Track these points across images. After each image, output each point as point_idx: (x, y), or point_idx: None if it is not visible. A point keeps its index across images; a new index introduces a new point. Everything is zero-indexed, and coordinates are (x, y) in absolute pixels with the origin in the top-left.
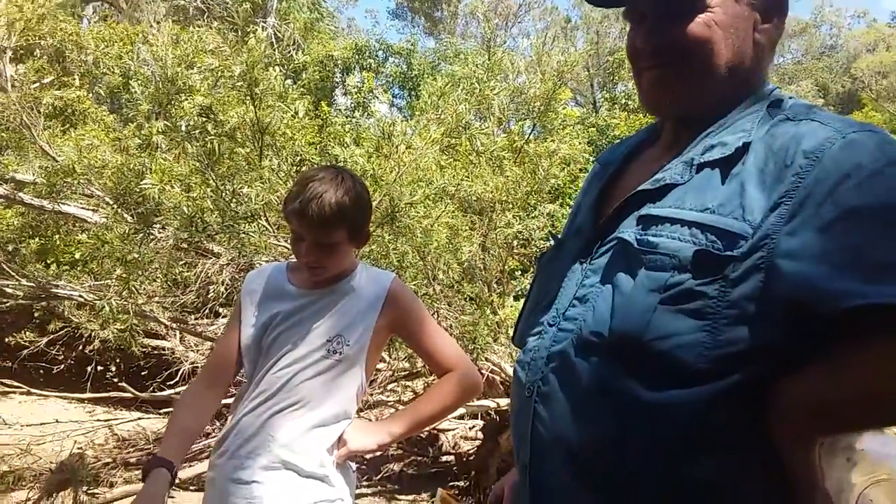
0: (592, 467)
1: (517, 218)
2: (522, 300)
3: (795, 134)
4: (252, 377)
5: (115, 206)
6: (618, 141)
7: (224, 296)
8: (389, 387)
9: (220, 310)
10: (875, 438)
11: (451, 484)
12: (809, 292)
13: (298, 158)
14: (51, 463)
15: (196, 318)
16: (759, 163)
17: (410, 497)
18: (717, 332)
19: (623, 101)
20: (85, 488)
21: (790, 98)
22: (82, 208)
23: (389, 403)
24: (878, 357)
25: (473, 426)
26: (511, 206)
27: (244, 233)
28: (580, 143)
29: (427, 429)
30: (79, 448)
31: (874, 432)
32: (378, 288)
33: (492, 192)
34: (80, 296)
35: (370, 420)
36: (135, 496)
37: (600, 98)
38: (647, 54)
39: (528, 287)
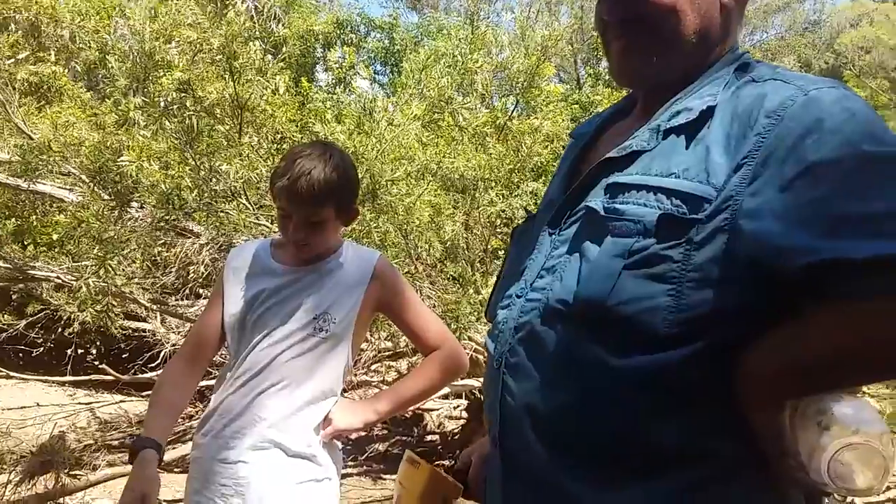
0: (561, 435)
1: (500, 196)
2: None
3: (759, 94)
4: (236, 355)
5: (92, 185)
6: (592, 115)
7: (204, 276)
8: (373, 367)
9: (201, 291)
10: (848, 403)
11: (437, 463)
12: (768, 251)
13: (279, 136)
14: (32, 446)
15: (176, 300)
16: (724, 126)
17: (396, 476)
18: (682, 296)
19: (607, 77)
20: (67, 470)
21: (758, 63)
22: (59, 188)
23: (373, 384)
24: (838, 315)
25: (458, 406)
26: (494, 184)
27: (223, 211)
28: (563, 120)
29: (411, 409)
30: (60, 431)
31: (847, 396)
32: (364, 265)
33: (475, 169)
34: (58, 277)
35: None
36: (127, 479)
37: (584, 74)
38: (614, 25)
39: (501, 262)
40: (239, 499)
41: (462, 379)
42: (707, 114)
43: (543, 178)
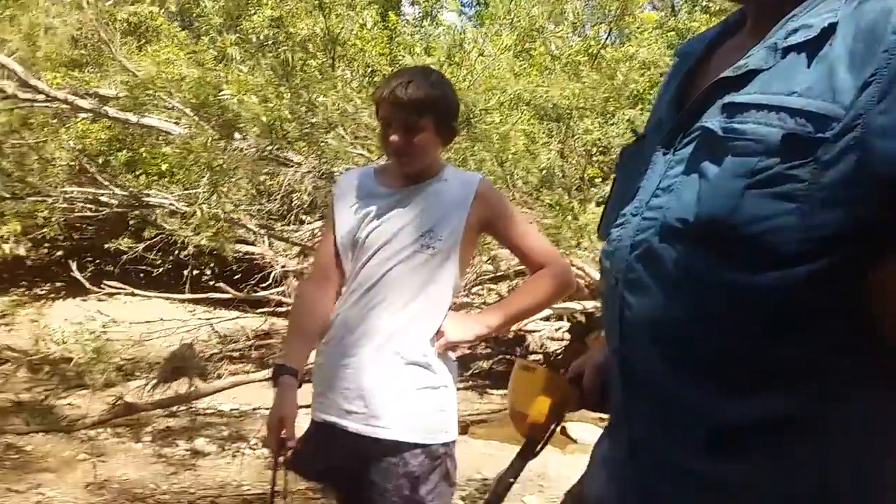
0: (679, 348)
1: (596, 125)
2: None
3: (883, 9)
4: (350, 273)
5: (196, 118)
6: (698, 34)
7: (307, 203)
8: (474, 290)
9: (304, 217)
10: None
11: None
12: None
13: (370, 69)
14: (162, 357)
15: (282, 226)
16: (848, 43)
17: (502, 391)
18: (809, 215)
19: (704, 2)
20: (197, 375)
21: None
22: (164, 121)
23: (475, 306)
24: None
25: (560, 328)
26: (589, 112)
27: (322, 141)
28: (659, 48)
29: (514, 328)
30: (188, 342)
31: None
32: (467, 186)
33: (569, 98)
34: (172, 204)
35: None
36: (272, 406)
37: (679, 1)
38: None
39: (611, 183)
40: (361, 401)
41: (563, 302)
42: (828, 31)
43: (640, 105)
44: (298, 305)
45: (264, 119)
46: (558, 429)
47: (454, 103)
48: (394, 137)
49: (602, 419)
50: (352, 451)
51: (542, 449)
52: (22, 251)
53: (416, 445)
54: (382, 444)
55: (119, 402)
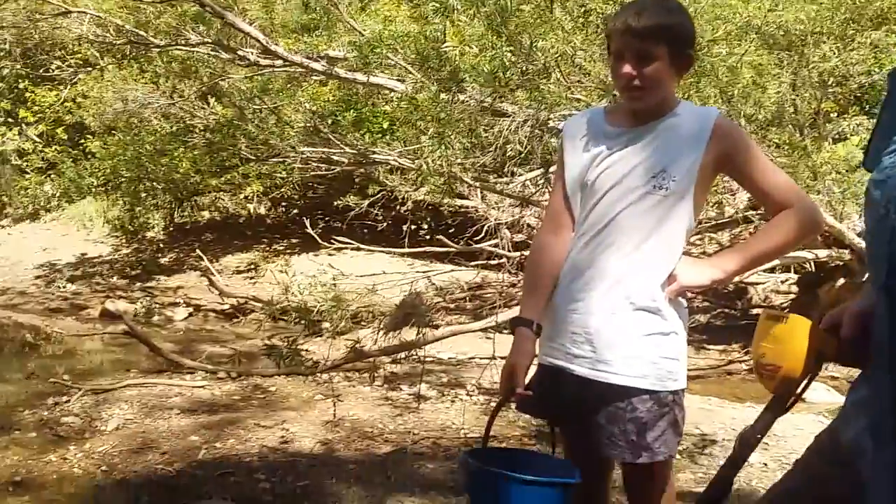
0: None
1: (833, 51)
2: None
3: None
4: (580, 216)
5: (419, 73)
6: None
7: (521, 155)
8: (691, 239)
9: (516, 169)
10: None
11: None
12: None
13: (583, 9)
14: (386, 307)
15: (495, 178)
16: None
17: (720, 347)
18: None
19: None
20: (425, 324)
21: None
22: (389, 79)
23: (693, 255)
24: None
25: (786, 280)
26: (826, 37)
27: (544, 86)
28: None
29: (734, 280)
30: (415, 290)
31: None
32: (703, 122)
33: (803, 22)
34: (395, 160)
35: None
36: (508, 354)
37: None
38: None
39: (879, 108)
40: (588, 346)
41: (795, 250)
42: None
43: (885, 26)
44: (533, 255)
45: (486, 68)
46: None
47: (690, 31)
48: (626, 69)
49: (834, 377)
50: (578, 395)
51: (793, 404)
52: (263, 210)
53: (645, 391)
54: (610, 388)
55: (355, 346)
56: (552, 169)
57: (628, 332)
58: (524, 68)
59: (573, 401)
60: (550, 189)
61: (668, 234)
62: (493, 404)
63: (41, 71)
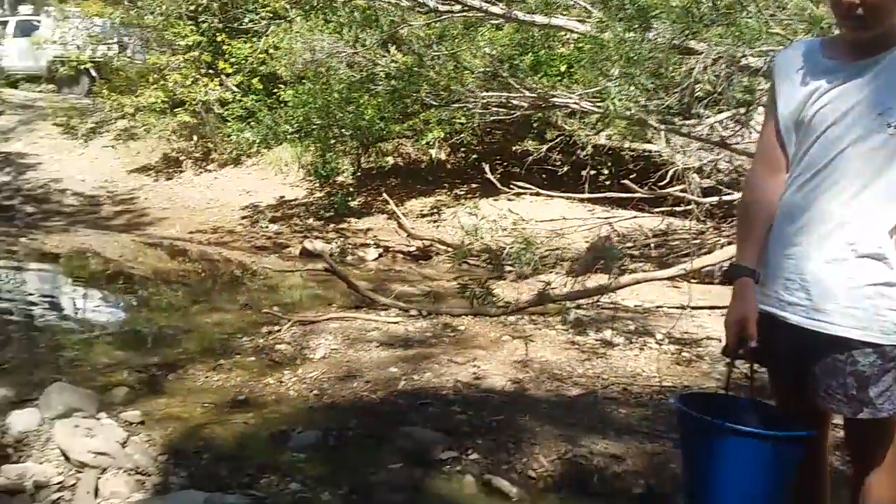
0: None
1: None
2: None
3: None
4: (795, 156)
5: (601, 13)
6: None
7: (711, 96)
8: None
9: (703, 111)
10: None
11: None
12: None
13: None
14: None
15: (681, 121)
16: None
17: None
18: None
19: None
20: (619, 265)
21: None
22: (569, 20)
23: None
24: None
25: None
26: None
27: (741, 20)
28: None
29: None
30: (604, 235)
31: None
32: None
33: None
34: (576, 103)
35: None
36: (728, 305)
37: None
38: None
39: None
40: (803, 293)
41: None
42: None
43: None
44: (745, 197)
45: (678, 3)
46: None
47: None
48: None
49: None
50: (792, 343)
51: None
52: (443, 156)
53: (867, 344)
54: (827, 339)
55: (545, 289)
56: (742, 111)
57: (849, 280)
58: (716, 2)
59: (787, 350)
60: (763, 123)
61: None
62: (686, 354)
63: (236, 24)
